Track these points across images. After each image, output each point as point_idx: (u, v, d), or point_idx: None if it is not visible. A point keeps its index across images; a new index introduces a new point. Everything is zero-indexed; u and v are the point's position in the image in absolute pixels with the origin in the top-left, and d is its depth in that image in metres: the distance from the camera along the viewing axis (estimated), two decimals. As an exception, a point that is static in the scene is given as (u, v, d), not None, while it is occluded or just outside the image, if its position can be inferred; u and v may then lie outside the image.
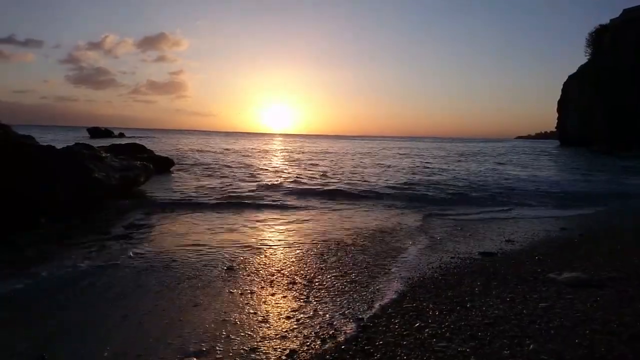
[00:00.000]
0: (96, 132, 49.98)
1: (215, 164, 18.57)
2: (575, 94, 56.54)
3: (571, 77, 59.80)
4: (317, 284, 4.18)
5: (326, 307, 3.58)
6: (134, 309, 3.51)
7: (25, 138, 7.88)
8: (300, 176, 14.41)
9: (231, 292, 3.91)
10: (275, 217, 7.68)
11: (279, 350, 2.84)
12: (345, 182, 13.12)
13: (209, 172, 15.00)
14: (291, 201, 9.19)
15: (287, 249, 5.54)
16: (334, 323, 3.24)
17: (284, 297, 3.84)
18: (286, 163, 21.70)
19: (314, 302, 3.69)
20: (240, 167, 18.20)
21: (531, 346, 2.80)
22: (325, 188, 11.37)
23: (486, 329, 3.09)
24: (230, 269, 4.62)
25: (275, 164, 20.65)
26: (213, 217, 7.48)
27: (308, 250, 5.47)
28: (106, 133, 50.35)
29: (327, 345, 2.87)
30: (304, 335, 3.05)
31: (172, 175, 13.79)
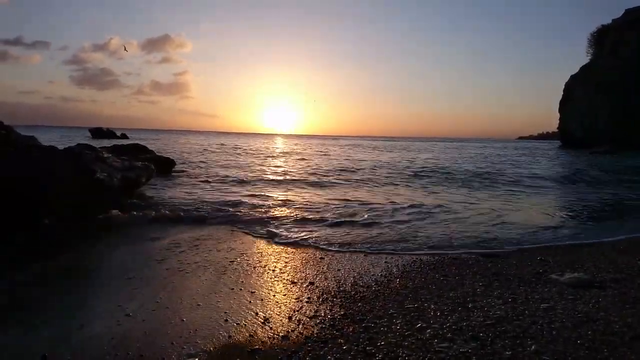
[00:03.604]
0: (98, 132, 50.05)
1: (215, 165, 18.62)
2: (577, 93, 56.37)
3: (573, 77, 59.63)
4: (317, 284, 4.19)
5: (328, 307, 3.59)
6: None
7: (27, 139, 7.91)
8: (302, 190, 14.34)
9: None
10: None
11: (281, 350, 2.84)
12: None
13: (208, 175, 14.88)
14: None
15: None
16: (336, 324, 3.24)
17: (285, 297, 3.85)
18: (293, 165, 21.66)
19: (316, 303, 3.69)
20: (237, 168, 18.20)
21: (533, 347, 2.80)
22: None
23: (488, 329, 3.09)
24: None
25: (279, 166, 20.64)
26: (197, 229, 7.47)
27: (304, 252, 5.48)
28: (108, 134, 50.40)
29: (328, 346, 2.87)
30: (305, 336, 3.05)
31: (173, 175, 13.81)
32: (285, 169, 18.08)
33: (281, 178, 14.19)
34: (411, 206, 9.01)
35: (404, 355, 2.72)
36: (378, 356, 2.72)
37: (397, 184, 13.53)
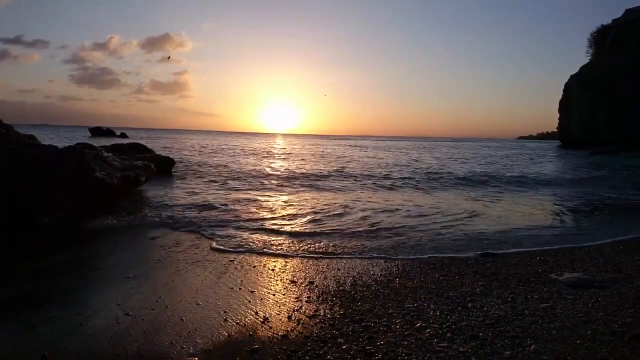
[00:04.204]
0: (98, 131, 50.15)
1: (214, 164, 18.62)
2: (577, 93, 56.31)
3: (573, 77, 59.56)
4: (317, 283, 4.19)
5: (327, 307, 3.59)
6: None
7: (27, 137, 7.90)
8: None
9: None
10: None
11: (280, 350, 2.84)
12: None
13: (207, 175, 14.80)
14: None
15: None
16: (336, 324, 3.24)
17: (285, 296, 3.85)
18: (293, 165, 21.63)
19: (315, 302, 3.69)
20: (237, 169, 18.19)
21: (532, 346, 2.80)
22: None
23: (487, 329, 3.09)
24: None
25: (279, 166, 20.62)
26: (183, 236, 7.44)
27: (303, 252, 5.48)
28: (108, 133, 50.47)
29: (328, 345, 2.87)
30: (305, 335, 3.05)
31: (173, 175, 13.81)
32: (285, 170, 18.06)
33: (280, 180, 14.14)
34: (410, 207, 9.02)
35: (404, 354, 2.72)
36: (378, 355, 2.72)
37: (397, 185, 13.53)
